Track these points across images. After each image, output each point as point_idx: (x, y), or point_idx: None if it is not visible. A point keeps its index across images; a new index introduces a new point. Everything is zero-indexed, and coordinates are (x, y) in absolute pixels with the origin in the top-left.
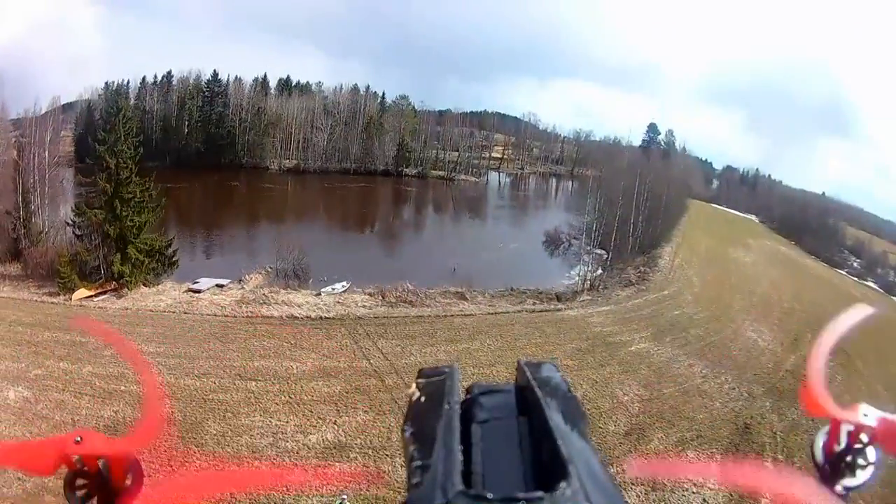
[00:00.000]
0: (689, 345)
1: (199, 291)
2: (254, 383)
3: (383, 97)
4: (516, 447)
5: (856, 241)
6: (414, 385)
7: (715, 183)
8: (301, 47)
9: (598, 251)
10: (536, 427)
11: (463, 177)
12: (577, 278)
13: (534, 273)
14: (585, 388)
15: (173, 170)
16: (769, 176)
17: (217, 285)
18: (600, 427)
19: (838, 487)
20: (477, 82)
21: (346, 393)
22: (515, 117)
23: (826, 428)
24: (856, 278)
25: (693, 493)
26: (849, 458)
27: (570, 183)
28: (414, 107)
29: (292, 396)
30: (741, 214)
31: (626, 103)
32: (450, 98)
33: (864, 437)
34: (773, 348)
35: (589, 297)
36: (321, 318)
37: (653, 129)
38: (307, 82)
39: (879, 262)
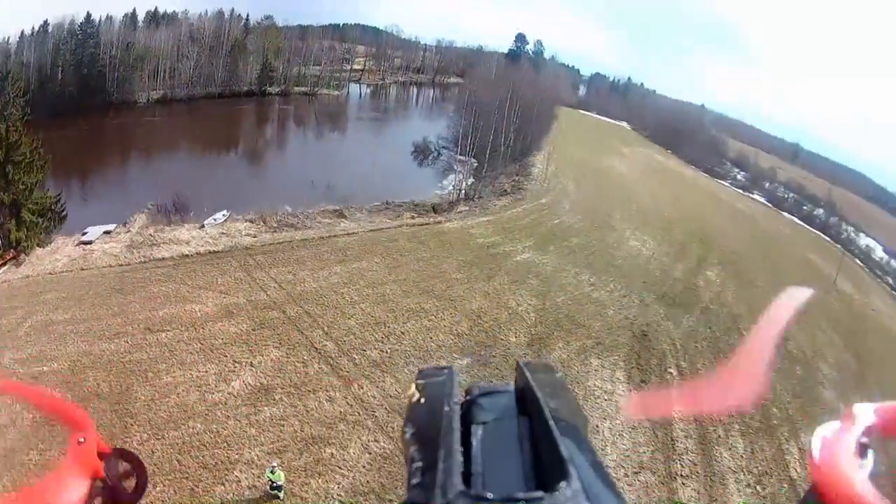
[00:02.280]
0: (572, 254)
1: (89, 243)
2: (164, 335)
3: (247, 18)
4: (516, 448)
5: (739, 154)
6: (413, 386)
7: (582, 89)
8: None
9: (469, 159)
10: (536, 427)
11: (325, 91)
12: (450, 188)
13: (406, 185)
14: (480, 301)
15: (47, 119)
16: (642, 84)
17: (105, 232)
18: (502, 339)
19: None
20: None
21: (253, 330)
22: (376, 28)
23: (825, 425)
24: (741, 190)
25: (605, 400)
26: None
27: (432, 91)
28: (275, 24)
29: (204, 342)
30: (611, 121)
31: (496, 16)
32: (312, 13)
33: (864, 440)
34: (659, 257)
35: (466, 208)
36: (210, 252)
37: (521, 38)
38: (174, 11)
39: (766, 177)
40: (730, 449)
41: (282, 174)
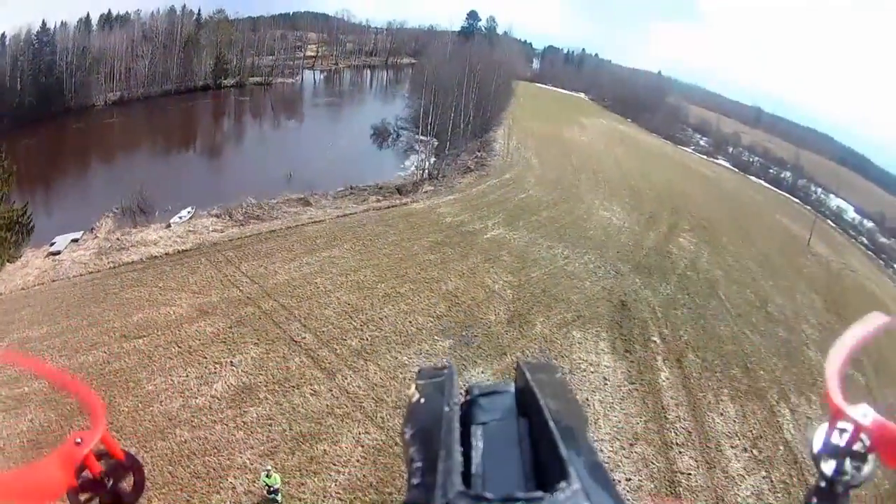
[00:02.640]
0: (543, 227)
1: (58, 253)
2: (141, 341)
3: (199, 13)
4: (516, 448)
5: (700, 120)
6: (413, 386)
7: (535, 63)
8: None
9: (430, 139)
10: (536, 428)
11: (279, 80)
12: (413, 168)
13: (368, 168)
14: (455, 281)
15: (9, 130)
16: (596, 55)
17: (73, 240)
18: (481, 318)
19: (838, 486)
20: None
21: (230, 328)
22: (326, 15)
23: (825, 424)
24: (704, 156)
25: (592, 372)
26: (848, 458)
27: (385, 73)
28: (227, 17)
29: (181, 346)
30: (568, 93)
31: None
32: (263, 3)
33: (864, 438)
34: (630, 227)
35: (431, 188)
36: (179, 251)
37: (473, 15)
38: (126, 12)
39: (730, 141)
40: (721, 414)
41: (242, 166)
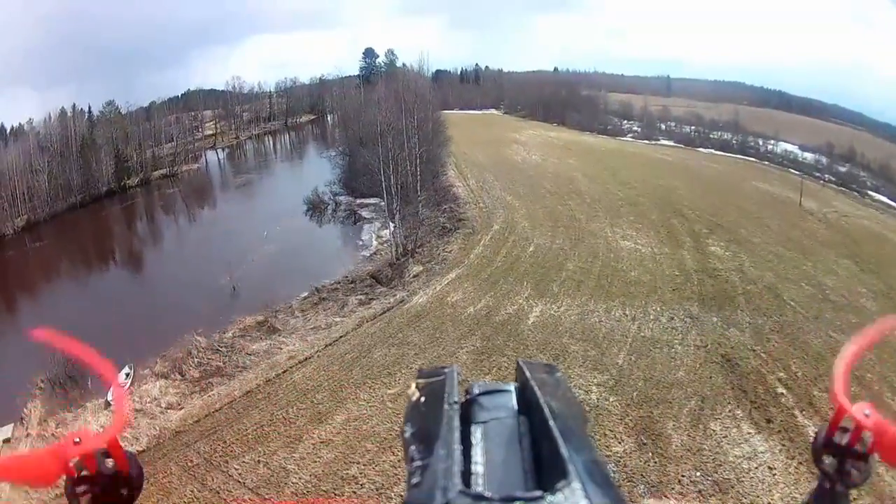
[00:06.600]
0: (580, 285)
1: None
2: None
3: (90, 111)
4: (516, 447)
5: (622, 105)
6: (413, 385)
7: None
8: (14, 91)
9: (370, 201)
10: (536, 426)
11: (185, 167)
12: (375, 243)
13: (322, 254)
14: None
15: None
16: (487, 67)
17: (4, 441)
18: (605, 448)
19: (838, 485)
20: (173, 67)
21: None
22: (217, 89)
23: (828, 422)
24: (646, 141)
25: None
26: (849, 456)
27: (287, 135)
28: (119, 109)
29: None
30: (479, 112)
31: (329, 41)
32: (153, 91)
33: (864, 437)
34: (659, 251)
35: (420, 268)
36: (136, 454)
37: (370, 53)
38: (20, 124)
39: (662, 119)
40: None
41: (172, 284)
